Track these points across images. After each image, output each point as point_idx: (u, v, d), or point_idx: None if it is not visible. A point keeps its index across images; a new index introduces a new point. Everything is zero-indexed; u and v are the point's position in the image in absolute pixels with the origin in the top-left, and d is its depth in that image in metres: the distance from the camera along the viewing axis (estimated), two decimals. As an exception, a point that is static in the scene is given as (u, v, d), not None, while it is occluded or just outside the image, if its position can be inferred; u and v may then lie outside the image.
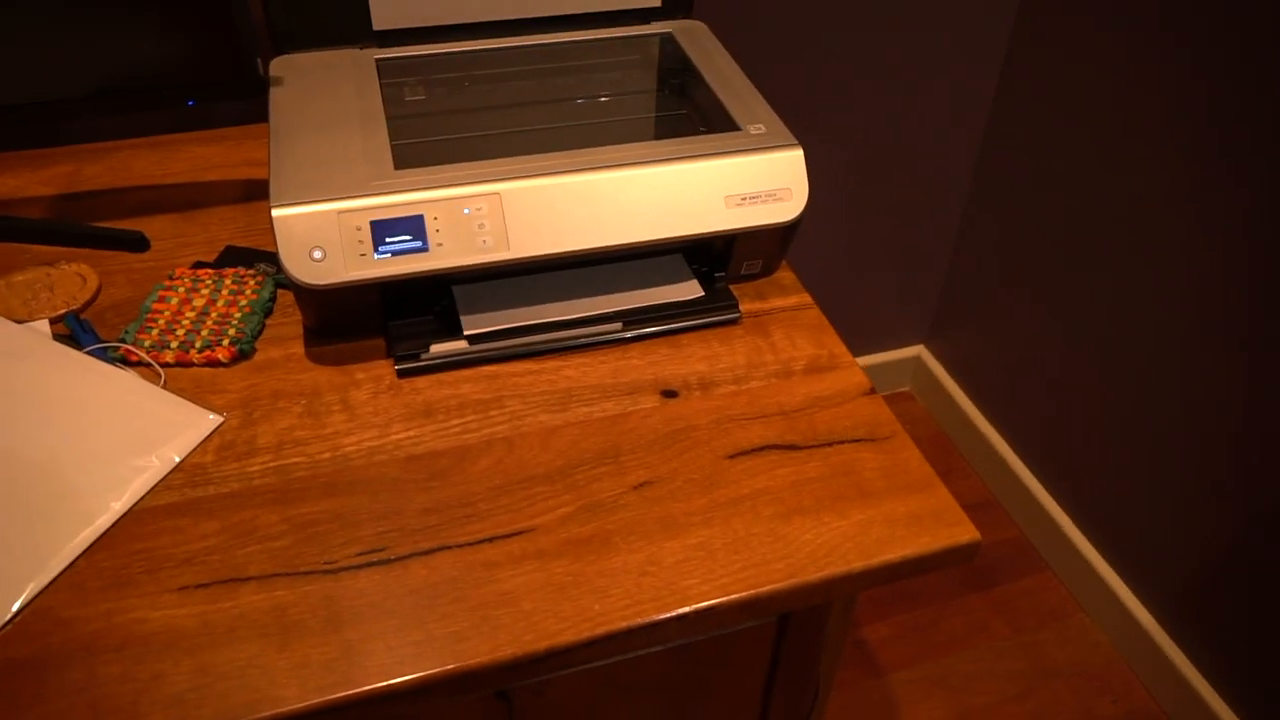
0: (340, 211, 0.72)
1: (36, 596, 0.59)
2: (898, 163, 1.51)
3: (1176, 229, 1.22)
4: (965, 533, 0.65)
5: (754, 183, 0.78)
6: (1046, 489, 1.58)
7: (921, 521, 0.66)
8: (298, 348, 0.77)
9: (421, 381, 0.75)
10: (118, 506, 0.64)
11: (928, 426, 1.83)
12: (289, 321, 0.80)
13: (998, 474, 1.67)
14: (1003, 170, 1.51)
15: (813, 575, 0.62)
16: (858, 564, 0.63)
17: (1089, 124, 1.32)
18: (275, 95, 0.83)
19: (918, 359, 1.84)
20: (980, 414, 1.71)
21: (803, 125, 1.39)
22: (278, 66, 0.87)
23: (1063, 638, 1.49)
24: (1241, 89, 1.10)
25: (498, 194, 0.74)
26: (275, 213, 0.71)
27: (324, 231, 0.71)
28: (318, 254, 0.71)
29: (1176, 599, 1.35)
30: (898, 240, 1.63)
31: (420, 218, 0.73)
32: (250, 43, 0.82)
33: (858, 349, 1.79)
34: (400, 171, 0.74)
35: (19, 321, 0.76)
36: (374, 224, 0.72)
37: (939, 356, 1.80)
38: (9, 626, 0.58)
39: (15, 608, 0.58)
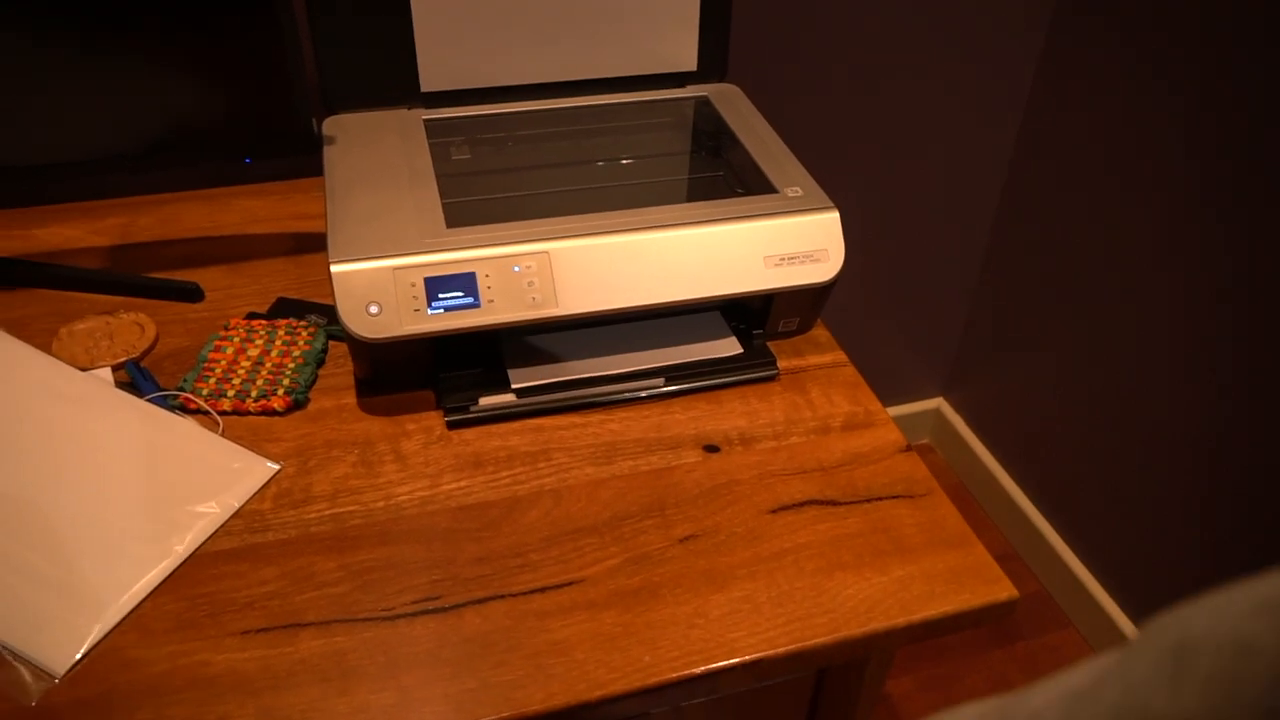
0: (396, 268, 0.74)
1: (105, 637, 0.61)
2: (917, 215, 1.54)
3: (1196, 282, 1.25)
4: (1003, 590, 0.67)
5: (792, 244, 0.81)
6: (1068, 543, 1.58)
7: (960, 578, 0.67)
8: (350, 398, 0.80)
9: (470, 433, 0.77)
10: (180, 550, 0.66)
11: (947, 479, 1.84)
12: (340, 372, 0.82)
13: (1018, 527, 1.68)
14: (1021, 222, 1.54)
15: (856, 630, 0.63)
16: (900, 619, 0.64)
17: (1108, 178, 1.35)
18: (329, 154, 0.87)
19: (937, 411, 1.86)
20: (1000, 466, 1.72)
21: (822, 178, 1.42)
22: (330, 126, 0.90)
23: (1085, 694, 1.48)
24: (1258, 152, 1.13)
25: (547, 253, 0.76)
26: (334, 269, 0.73)
27: (380, 287, 0.74)
28: (374, 309, 0.74)
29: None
30: (917, 292, 1.65)
31: (473, 275, 0.75)
32: (305, 103, 0.86)
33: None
34: (452, 230, 0.77)
35: (82, 369, 0.78)
36: (428, 280, 0.75)
37: (959, 409, 1.82)
38: (78, 666, 0.59)
39: (84, 648, 0.60)
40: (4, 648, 0.60)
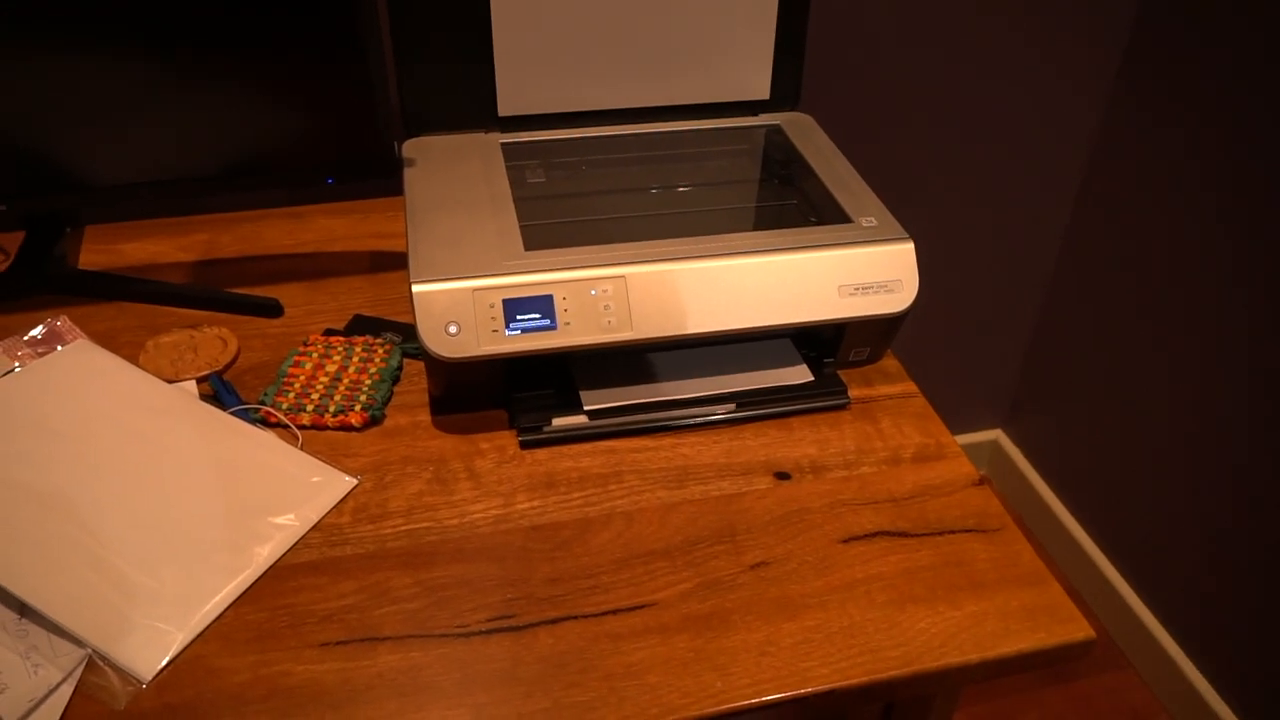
0: (475, 289, 0.76)
1: (189, 645, 0.62)
2: (982, 248, 1.53)
3: (1261, 321, 1.22)
4: (1080, 630, 0.66)
5: (867, 274, 0.81)
6: (1129, 583, 1.55)
7: (1035, 616, 0.67)
8: (424, 415, 0.81)
9: (543, 453, 0.78)
10: (262, 561, 0.67)
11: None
12: (415, 390, 0.84)
13: (1077, 565, 1.65)
14: (1084, 257, 1.52)
15: (930, 664, 0.63)
16: (974, 656, 0.64)
17: (1172, 218, 1.33)
18: (410, 176, 0.89)
19: (995, 443, 1.83)
20: (1059, 502, 1.70)
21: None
22: (410, 148, 0.92)
23: (1146, 738, 1.45)
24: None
25: (623, 277, 0.77)
26: (416, 289, 0.75)
27: (460, 308, 0.75)
28: (453, 329, 0.75)
29: (1270, 707, 1.32)
30: (978, 323, 1.64)
31: (550, 298, 0.76)
32: (388, 126, 0.88)
33: (935, 432, 1.79)
34: (530, 253, 0.78)
35: (169, 381, 0.81)
36: (506, 302, 0.76)
37: (1017, 442, 1.80)
38: (164, 672, 0.61)
39: (170, 655, 0.61)
40: (94, 652, 0.61)
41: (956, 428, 1.81)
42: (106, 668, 0.61)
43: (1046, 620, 0.67)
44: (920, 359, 1.65)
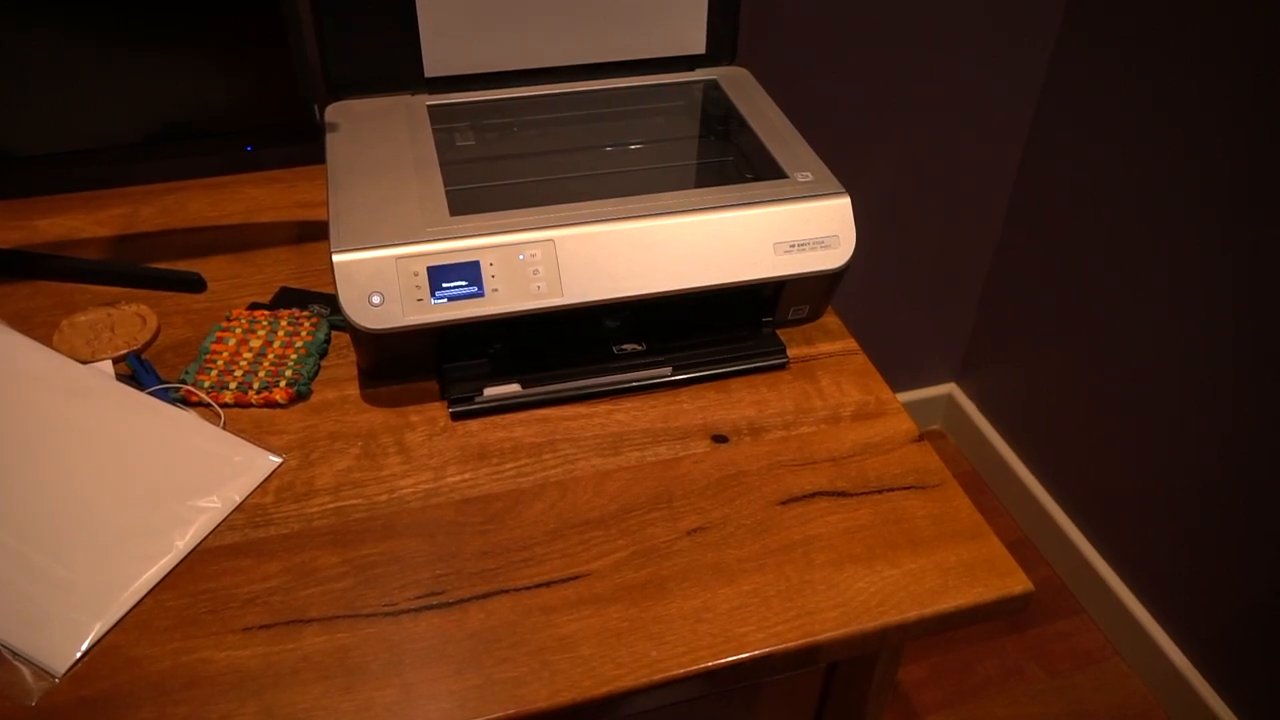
0: (398, 257, 0.73)
1: (105, 635, 0.60)
2: (930, 202, 1.52)
3: (1217, 265, 1.23)
4: (1018, 583, 0.65)
5: (803, 230, 0.79)
6: (1081, 530, 1.57)
7: (974, 571, 0.66)
8: (353, 389, 0.79)
9: (475, 424, 0.76)
10: (182, 546, 0.65)
11: (959, 465, 1.82)
12: (343, 363, 0.81)
13: (1030, 514, 1.67)
14: (1036, 208, 1.51)
15: (868, 624, 0.62)
16: (912, 613, 0.63)
17: (1121, 167, 1.33)
18: (332, 141, 0.85)
19: (949, 397, 1.84)
20: (1013, 453, 1.71)
21: (836, 164, 1.40)
22: (333, 112, 0.89)
23: (1099, 682, 1.48)
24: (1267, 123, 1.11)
25: (552, 240, 0.75)
26: (336, 258, 0.72)
27: (383, 277, 0.73)
28: (376, 299, 0.72)
29: (1214, 644, 1.34)
30: (930, 277, 1.64)
31: (476, 264, 0.74)
32: (308, 89, 0.84)
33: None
34: (456, 218, 0.76)
35: (83, 361, 0.78)
36: (431, 270, 0.73)
37: (971, 395, 1.80)
38: (79, 665, 0.59)
39: (85, 646, 0.59)
40: (4, 647, 0.59)
41: (911, 383, 1.81)
42: (17, 663, 0.58)
43: (985, 574, 0.66)
44: (873, 315, 1.65)
